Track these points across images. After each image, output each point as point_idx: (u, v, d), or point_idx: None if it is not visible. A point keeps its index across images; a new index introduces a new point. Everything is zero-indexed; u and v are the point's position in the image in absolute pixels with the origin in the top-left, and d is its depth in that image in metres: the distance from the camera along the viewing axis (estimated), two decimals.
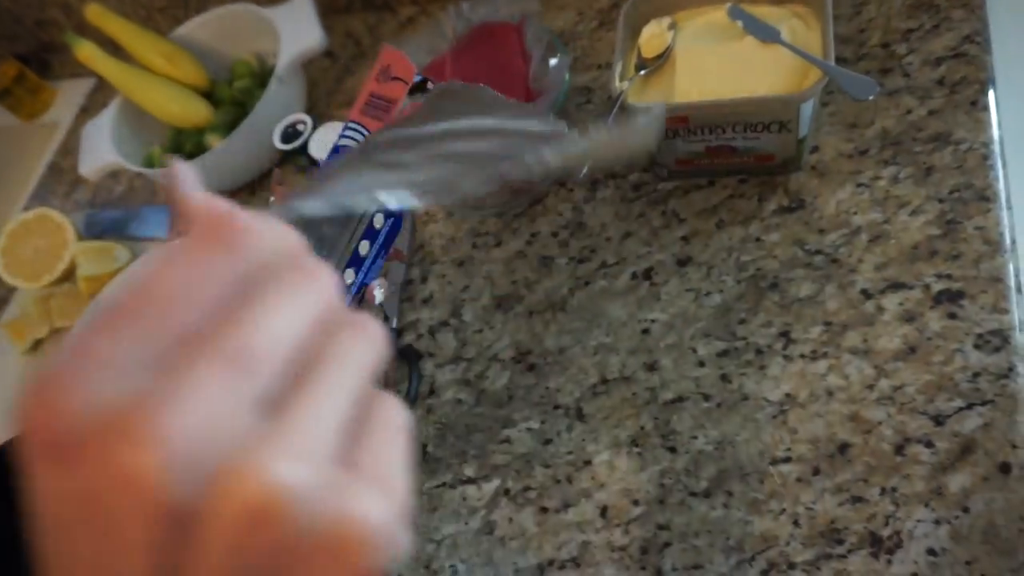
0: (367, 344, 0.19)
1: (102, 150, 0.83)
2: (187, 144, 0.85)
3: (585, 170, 0.59)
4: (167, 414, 0.15)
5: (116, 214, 0.92)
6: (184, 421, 0.15)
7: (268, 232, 0.19)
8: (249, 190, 0.88)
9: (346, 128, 0.43)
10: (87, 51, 0.80)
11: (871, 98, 0.51)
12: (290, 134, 0.75)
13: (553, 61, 0.67)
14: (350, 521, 0.16)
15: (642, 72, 0.60)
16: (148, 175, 0.84)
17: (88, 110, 1.08)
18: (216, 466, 0.15)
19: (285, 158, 0.78)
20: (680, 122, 0.58)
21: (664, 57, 0.60)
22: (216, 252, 0.18)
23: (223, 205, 0.20)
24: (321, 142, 0.72)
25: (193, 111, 0.85)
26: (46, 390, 0.15)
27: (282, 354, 0.17)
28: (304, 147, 0.73)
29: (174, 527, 0.15)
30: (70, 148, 1.06)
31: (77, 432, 0.15)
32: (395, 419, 0.20)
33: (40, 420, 0.15)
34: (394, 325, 0.69)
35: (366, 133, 0.43)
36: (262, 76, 0.88)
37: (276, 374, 0.17)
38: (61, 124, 1.10)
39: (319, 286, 0.19)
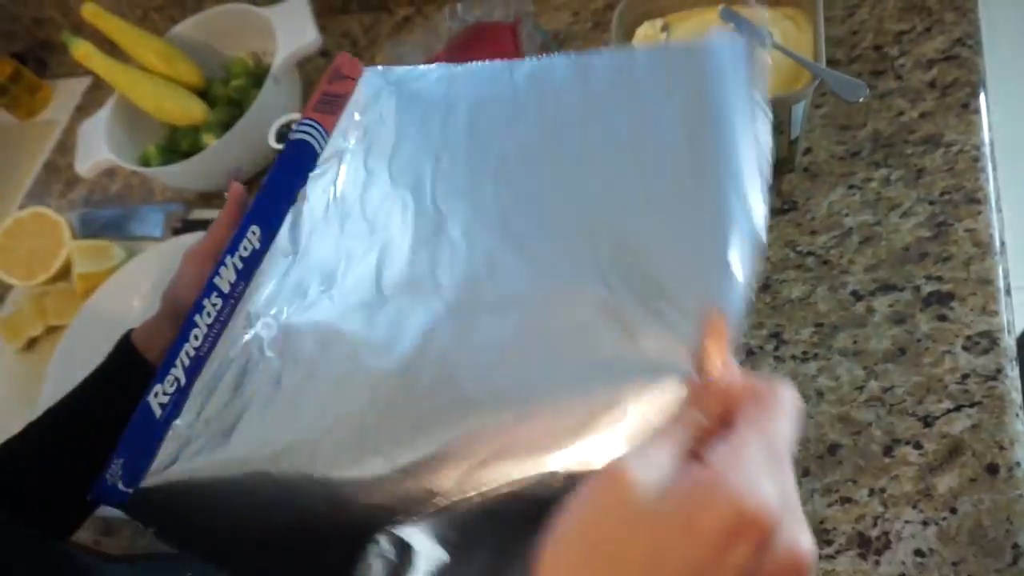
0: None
1: (98, 148, 0.83)
2: (182, 143, 0.85)
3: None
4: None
5: (112, 213, 0.93)
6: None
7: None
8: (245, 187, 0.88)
9: (301, 124, 0.45)
10: (84, 50, 0.80)
11: (861, 100, 0.51)
12: (284, 134, 0.75)
13: None
14: (802, 550, 0.24)
15: None
16: (144, 174, 0.84)
17: (84, 109, 1.09)
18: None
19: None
20: None
21: None
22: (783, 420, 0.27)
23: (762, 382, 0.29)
24: None
25: (189, 110, 0.85)
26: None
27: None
28: None
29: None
30: (66, 147, 1.06)
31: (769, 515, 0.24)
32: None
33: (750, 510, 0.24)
34: None
35: (318, 127, 0.45)
36: (258, 75, 0.88)
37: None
38: (58, 123, 1.10)
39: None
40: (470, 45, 0.73)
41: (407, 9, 0.92)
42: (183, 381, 0.39)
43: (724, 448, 0.25)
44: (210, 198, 0.89)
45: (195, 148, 0.84)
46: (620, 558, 0.24)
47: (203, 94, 0.88)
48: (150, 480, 0.37)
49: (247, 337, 0.39)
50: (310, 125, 0.44)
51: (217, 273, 0.41)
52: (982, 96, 0.61)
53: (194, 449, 0.37)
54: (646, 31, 0.61)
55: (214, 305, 0.40)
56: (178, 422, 0.38)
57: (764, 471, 0.25)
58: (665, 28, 0.61)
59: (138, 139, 0.88)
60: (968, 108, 0.61)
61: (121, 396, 0.40)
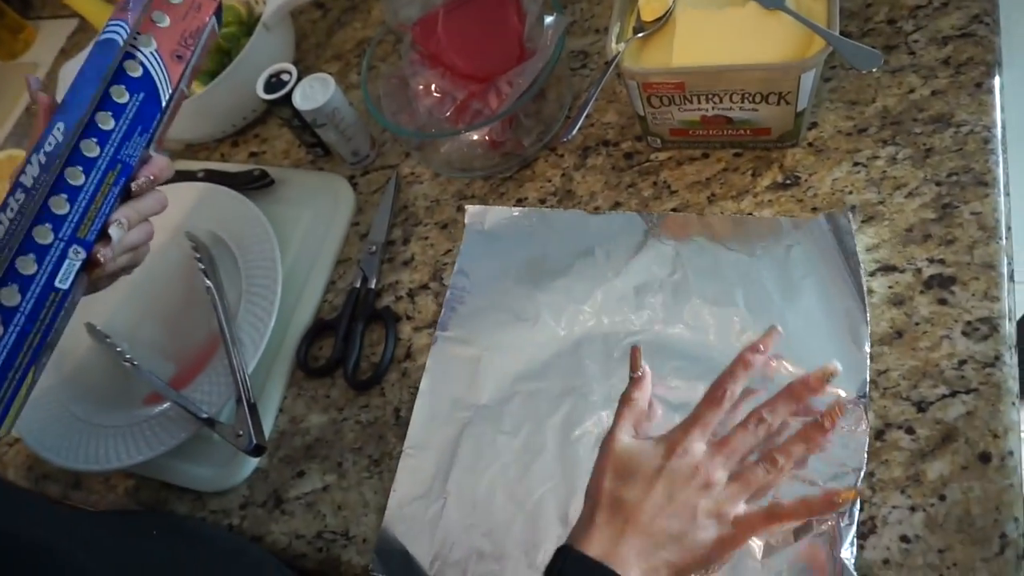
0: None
1: None
2: None
3: (576, 129, 0.57)
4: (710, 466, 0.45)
5: None
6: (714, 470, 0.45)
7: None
8: (231, 141, 0.85)
9: (109, 24, 0.48)
10: None
11: (874, 70, 0.49)
12: (274, 84, 0.72)
13: (549, 20, 0.65)
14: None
15: (640, 35, 0.58)
16: None
17: (68, 52, 1.05)
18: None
19: (269, 108, 0.75)
20: (676, 88, 0.56)
21: (664, 20, 0.58)
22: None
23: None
24: (305, 94, 0.69)
25: None
26: (681, 435, 0.46)
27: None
28: (287, 98, 0.70)
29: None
30: (49, 90, 1.02)
31: (690, 449, 0.45)
32: None
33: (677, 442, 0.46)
34: (373, 286, 0.67)
35: (124, 25, 0.49)
36: (249, 25, 0.85)
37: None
38: (40, 65, 1.06)
39: None
40: (470, 1, 0.70)
41: None
42: None
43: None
44: (196, 149, 0.87)
45: None
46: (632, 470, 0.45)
47: None
48: None
49: None
50: (117, 24, 0.48)
51: (23, 171, 0.44)
52: (996, 76, 0.59)
53: None
54: None
55: (17, 200, 0.44)
56: None
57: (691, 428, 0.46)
58: None
59: None
60: (981, 88, 0.59)
61: None
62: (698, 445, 0.45)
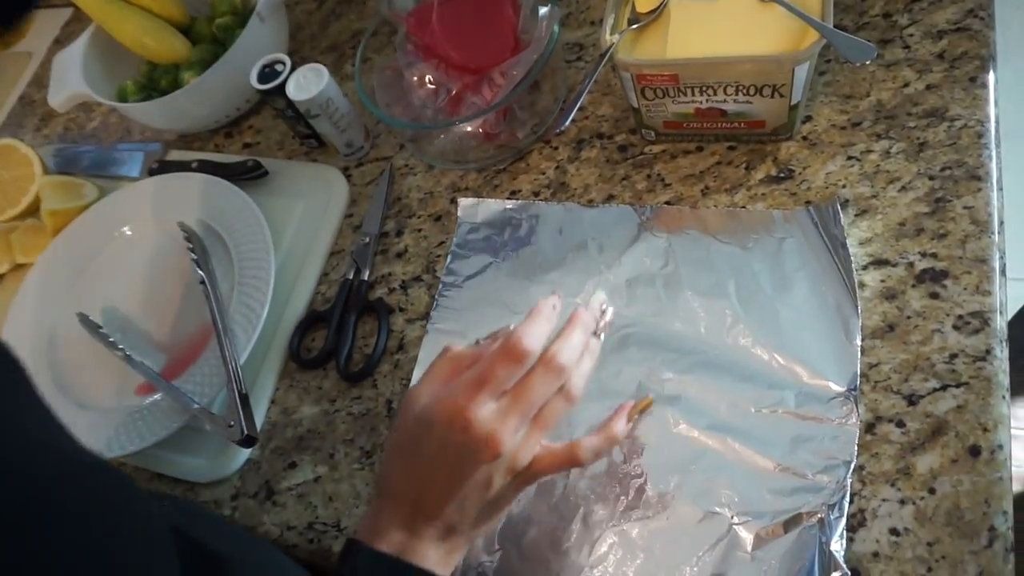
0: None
1: (72, 81, 0.79)
2: (162, 80, 0.82)
3: (569, 120, 0.57)
4: (501, 430, 0.41)
5: (87, 150, 0.89)
6: (503, 433, 0.41)
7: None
8: (225, 132, 0.85)
9: None
10: None
11: (868, 64, 0.49)
12: (268, 74, 0.72)
13: (543, 11, 0.65)
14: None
15: (634, 26, 0.58)
16: (121, 112, 0.81)
17: (62, 42, 1.05)
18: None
19: (263, 99, 0.75)
20: (670, 80, 0.56)
21: (658, 12, 0.58)
22: (514, 365, 0.43)
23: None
24: (299, 84, 0.69)
25: (169, 46, 0.82)
26: (463, 402, 0.42)
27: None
28: (281, 88, 0.70)
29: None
30: (43, 81, 1.02)
31: (476, 420, 0.41)
32: None
33: (458, 413, 0.41)
34: (366, 277, 0.67)
35: None
36: (244, 15, 0.84)
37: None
38: (34, 55, 1.06)
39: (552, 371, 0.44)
40: None
41: None
42: None
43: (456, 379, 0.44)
44: (190, 140, 0.86)
45: (174, 86, 0.80)
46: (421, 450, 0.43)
47: (186, 31, 0.85)
48: None
49: None
50: None
51: None
52: (991, 71, 0.59)
53: None
54: None
55: None
56: None
57: (472, 392, 0.42)
58: None
59: (115, 74, 0.84)
60: (976, 82, 0.59)
61: None
62: (486, 409, 0.41)
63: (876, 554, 0.46)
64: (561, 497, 0.52)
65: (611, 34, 0.57)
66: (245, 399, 0.59)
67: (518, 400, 0.42)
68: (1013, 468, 0.47)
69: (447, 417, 0.42)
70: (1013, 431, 0.48)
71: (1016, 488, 0.49)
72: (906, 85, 0.60)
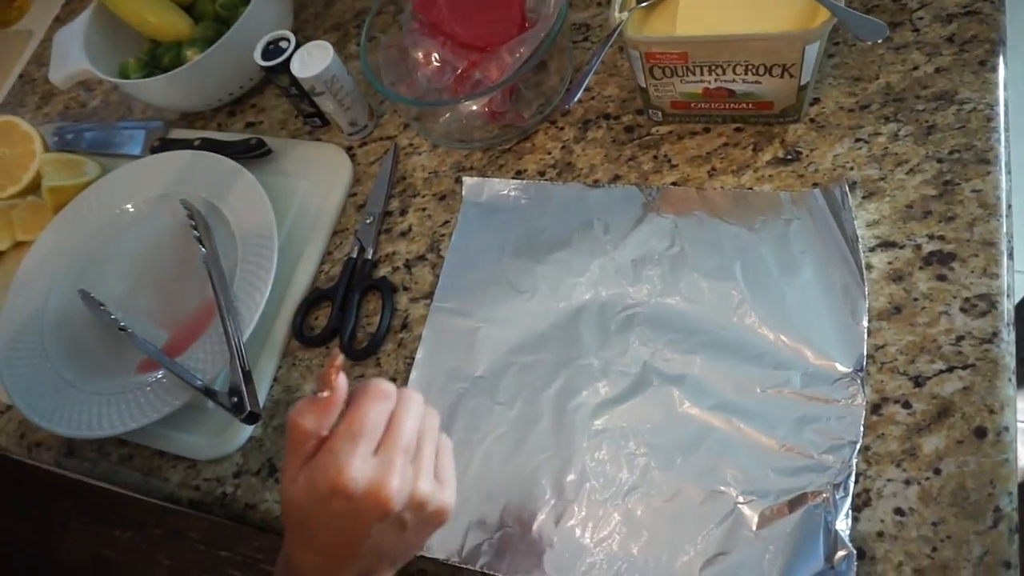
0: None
1: (74, 57, 0.78)
2: (164, 58, 0.81)
3: (575, 99, 0.57)
4: (387, 486, 0.38)
5: (89, 128, 0.89)
6: (391, 484, 0.38)
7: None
8: (229, 110, 0.84)
9: None
10: None
11: (879, 46, 0.49)
12: (272, 51, 0.71)
13: None
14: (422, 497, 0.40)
15: (643, 4, 0.57)
16: (124, 90, 0.80)
17: (63, 20, 1.04)
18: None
19: (267, 77, 0.74)
20: (679, 58, 0.55)
21: None
22: (383, 401, 0.40)
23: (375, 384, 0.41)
24: (304, 61, 0.69)
25: (172, 23, 0.81)
26: (340, 462, 0.37)
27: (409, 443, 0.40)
28: (285, 65, 0.69)
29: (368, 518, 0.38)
30: (43, 59, 1.01)
31: (356, 485, 0.37)
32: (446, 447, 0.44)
33: (334, 477, 0.37)
34: (370, 256, 0.67)
35: None
36: None
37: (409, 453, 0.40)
38: (34, 33, 1.05)
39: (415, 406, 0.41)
40: None
41: None
42: None
43: (324, 445, 0.39)
44: (192, 119, 0.86)
45: (176, 64, 0.79)
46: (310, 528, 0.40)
47: (189, 9, 0.84)
48: None
49: None
50: None
51: None
52: (1001, 55, 0.59)
53: None
54: None
55: None
56: None
57: (347, 452, 0.37)
58: None
59: (117, 52, 0.83)
60: (985, 66, 0.58)
61: None
62: (367, 465, 0.38)
63: (881, 534, 0.46)
64: (565, 475, 0.52)
65: (620, 11, 0.57)
66: (248, 376, 0.59)
67: (394, 439, 0.39)
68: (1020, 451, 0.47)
69: (326, 493, 0.37)
70: (1020, 424, 0.48)
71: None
72: (915, 68, 0.60)
